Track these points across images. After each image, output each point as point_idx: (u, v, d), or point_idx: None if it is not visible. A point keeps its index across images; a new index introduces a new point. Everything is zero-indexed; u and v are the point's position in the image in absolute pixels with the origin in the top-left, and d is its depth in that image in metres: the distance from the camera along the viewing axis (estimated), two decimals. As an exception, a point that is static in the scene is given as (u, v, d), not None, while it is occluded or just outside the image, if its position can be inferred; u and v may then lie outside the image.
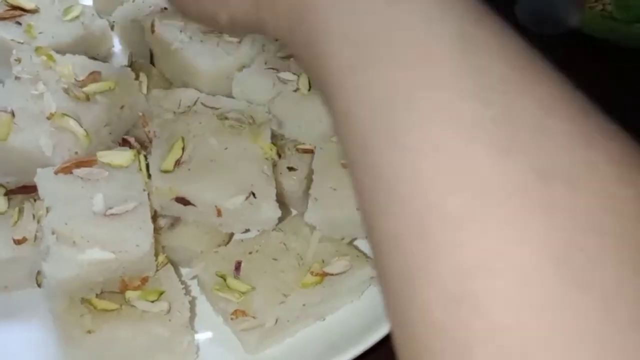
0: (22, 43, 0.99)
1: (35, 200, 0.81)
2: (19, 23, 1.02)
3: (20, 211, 0.81)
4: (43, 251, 0.70)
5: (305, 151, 0.89)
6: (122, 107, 0.86)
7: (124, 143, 0.85)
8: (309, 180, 0.86)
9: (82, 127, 0.80)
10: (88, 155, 0.78)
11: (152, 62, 0.97)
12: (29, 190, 0.83)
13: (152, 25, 0.91)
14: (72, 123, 0.80)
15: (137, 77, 0.90)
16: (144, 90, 0.93)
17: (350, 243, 0.83)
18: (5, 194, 0.83)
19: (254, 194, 0.76)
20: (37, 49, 0.87)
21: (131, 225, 0.72)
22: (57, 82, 0.84)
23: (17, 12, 1.03)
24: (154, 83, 0.95)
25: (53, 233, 0.70)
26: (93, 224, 0.71)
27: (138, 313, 0.73)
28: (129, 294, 0.73)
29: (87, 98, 0.82)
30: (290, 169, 0.87)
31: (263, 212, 0.76)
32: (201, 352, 0.78)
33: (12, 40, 0.98)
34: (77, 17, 0.97)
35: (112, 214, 0.73)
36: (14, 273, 0.79)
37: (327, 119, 0.89)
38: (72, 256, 0.68)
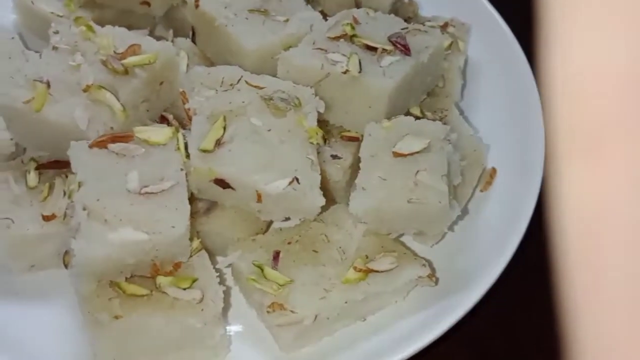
0: (61, 16, 0.96)
1: (66, 176, 0.78)
2: (59, -5, 0.99)
3: (51, 187, 0.77)
4: (73, 228, 0.65)
5: (351, 139, 0.83)
6: (161, 83, 0.82)
7: (162, 120, 0.81)
8: (354, 170, 0.81)
9: (119, 101, 0.76)
10: (124, 131, 0.74)
11: (193, 41, 0.93)
12: (61, 165, 0.79)
13: (197, 0, 0.87)
14: (108, 96, 0.76)
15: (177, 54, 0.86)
16: (184, 67, 0.89)
17: (397, 239, 0.78)
18: (37, 168, 0.79)
19: (297, 180, 0.70)
20: (77, 19, 0.83)
21: (167, 206, 0.67)
22: (96, 54, 0.80)
23: (58, -15, 1.00)
24: (195, 62, 0.91)
25: (84, 209, 0.65)
26: (127, 201, 0.67)
27: (169, 301, 0.68)
28: (160, 280, 0.68)
29: (126, 71, 0.78)
30: (335, 157, 0.81)
31: (306, 200, 0.71)
32: (232, 347, 0.73)
33: (52, 13, 0.95)
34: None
35: (147, 193, 0.68)
36: (42, 251, 0.75)
37: (377, 104, 0.84)
38: (104, 235, 0.64)
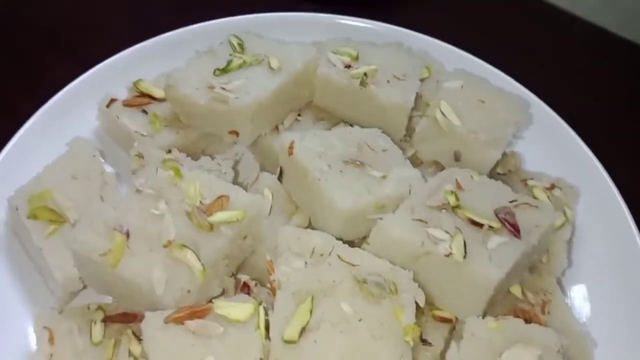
0: (145, 135, 0.92)
1: (134, 333, 0.72)
2: (145, 112, 0.95)
3: (116, 344, 0.72)
4: None
5: (443, 320, 0.75)
6: (245, 238, 0.76)
7: (243, 287, 0.74)
8: (442, 357, 0.73)
9: (200, 260, 0.70)
10: (202, 304, 0.67)
11: (279, 180, 0.87)
12: (129, 318, 0.73)
13: (291, 147, 0.81)
14: (190, 256, 0.70)
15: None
16: (267, 209, 0.83)
17: None
18: (103, 320, 0.74)
19: (389, 389, 0.62)
20: (165, 162, 0.78)
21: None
22: (181, 203, 0.75)
23: (145, 100, 0.97)
24: (279, 204, 0.85)
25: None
26: (199, 400, 0.60)
27: None
28: None
29: (211, 227, 0.73)
30: (425, 342, 0.73)
31: (396, 413, 0.62)
32: None
33: (136, 132, 0.92)
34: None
35: (222, 389, 0.61)
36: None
37: (481, 293, 0.76)
38: None
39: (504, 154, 0.94)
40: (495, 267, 0.71)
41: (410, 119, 0.93)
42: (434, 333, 0.74)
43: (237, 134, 0.90)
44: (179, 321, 0.65)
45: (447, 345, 0.74)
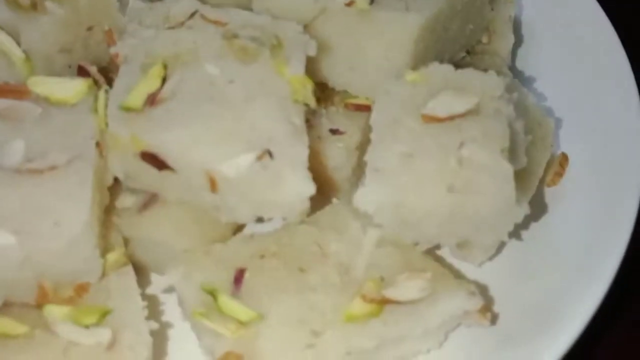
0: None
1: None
2: None
3: None
4: None
5: (359, 107, 0.60)
6: (89, 29, 0.59)
7: (80, 72, 0.57)
8: (362, 151, 0.56)
9: (20, 47, 0.54)
10: (17, 83, 0.50)
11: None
12: None
13: None
14: (4, 39, 0.53)
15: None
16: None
17: (430, 253, 0.52)
18: None
19: (270, 154, 0.45)
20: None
21: (56, 190, 0.44)
22: (-4, -19, 0.57)
23: None
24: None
25: None
26: (-1, 183, 0.43)
27: (60, 345, 0.43)
28: (50, 311, 0.44)
29: (34, 6, 0.55)
30: (335, 132, 0.59)
31: (285, 186, 0.47)
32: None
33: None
34: None
35: (30, 170, 0.44)
36: None
37: (397, 52, 0.59)
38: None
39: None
40: (414, 11, 0.54)
41: None
42: (347, 123, 0.60)
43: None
44: (-24, 100, 0.47)
45: (364, 137, 0.57)
